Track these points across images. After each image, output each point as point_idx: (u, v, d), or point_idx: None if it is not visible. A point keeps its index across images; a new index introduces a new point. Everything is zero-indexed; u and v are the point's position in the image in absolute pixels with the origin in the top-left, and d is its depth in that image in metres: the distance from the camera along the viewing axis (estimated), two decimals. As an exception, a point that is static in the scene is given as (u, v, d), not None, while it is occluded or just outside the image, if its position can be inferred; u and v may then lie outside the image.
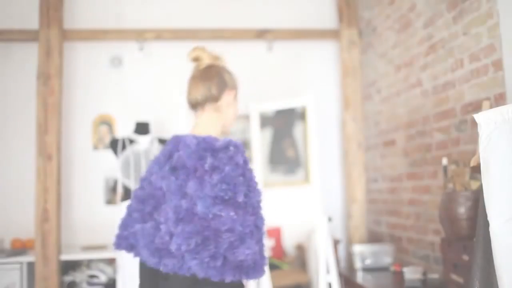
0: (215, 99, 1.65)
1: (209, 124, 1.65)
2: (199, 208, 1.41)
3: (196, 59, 1.72)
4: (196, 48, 1.72)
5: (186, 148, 1.52)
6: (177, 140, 1.59)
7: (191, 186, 1.45)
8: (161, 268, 1.43)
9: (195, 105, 1.67)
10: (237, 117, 1.78)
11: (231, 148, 1.49)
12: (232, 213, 1.40)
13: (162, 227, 1.46)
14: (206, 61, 1.71)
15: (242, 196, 1.43)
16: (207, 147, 1.50)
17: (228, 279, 1.36)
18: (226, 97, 1.68)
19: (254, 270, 1.39)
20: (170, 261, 1.41)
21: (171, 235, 1.42)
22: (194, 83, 1.67)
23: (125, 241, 1.62)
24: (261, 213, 1.48)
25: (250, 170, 1.50)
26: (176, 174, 1.51)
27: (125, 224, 1.65)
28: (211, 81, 1.65)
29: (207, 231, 1.39)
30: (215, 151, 1.49)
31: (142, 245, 1.52)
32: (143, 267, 1.58)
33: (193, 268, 1.37)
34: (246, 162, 1.50)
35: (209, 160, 1.47)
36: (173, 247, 1.40)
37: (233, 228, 1.39)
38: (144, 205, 1.60)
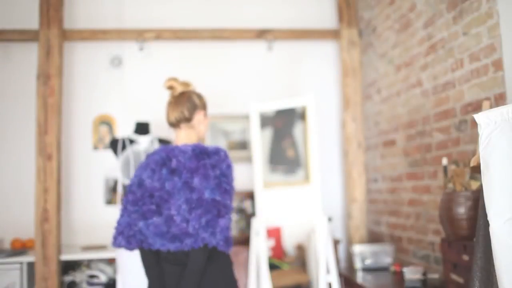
0: (188, 119, 2.10)
1: (187, 139, 2.09)
2: (206, 195, 1.89)
3: (170, 88, 2.17)
4: (170, 79, 2.17)
5: (183, 154, 1.97)
6: (168, 150, 2.02)
7: (197, 181, 1.90)
8: (184, 249, 1.86)
9: (173, 125, 2.12)
10: (208, 129, 2.32)
11: (221, 153, 1.99)
12: (228, 201, 1.93)
13: (176, 218, 1.88)
14: (178, 89, 2.16)
15: (230, 187, 1.96)
16: (202, 151, 1.96)
17: (227, 250, 1.89)
18: (197, 117, 2.13)
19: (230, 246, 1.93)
20: (189, 240, 1.85)
21: (188, 221, 1.87)
22: (170, 107, 2.12)
23: (134, 239, 1.95)
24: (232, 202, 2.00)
25: (232, 170, 2.02)
26: (178, 175, 1.94)
27: (129, 225, 1.97)
28: (183, 105, 2.10)
29: (214, 211, 1.88)
30: (209, 154, 1.96)
31: (153, 236, 1.92)
32: (148, 255, 1.97)
33: (206, 238, 1.84)
34: (231, 164, 2.01)
35: (208, 160, 1.94)
36: (190, 229, 1.85)
37: (227, 212, 1.92)
38: (138, 206, 1.96)
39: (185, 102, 2.10)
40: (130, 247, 1.96)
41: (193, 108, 2.11)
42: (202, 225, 1.85)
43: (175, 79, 2.17)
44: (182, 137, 2.09)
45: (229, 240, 1.90)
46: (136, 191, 1.98)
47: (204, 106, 2.17)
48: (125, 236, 1.96)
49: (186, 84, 2.19)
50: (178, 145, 2.03)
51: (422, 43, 2.92)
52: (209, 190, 1.89)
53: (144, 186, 1.97)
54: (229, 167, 1.97)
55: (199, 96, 2.17)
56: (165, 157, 1.99)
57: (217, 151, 1.97)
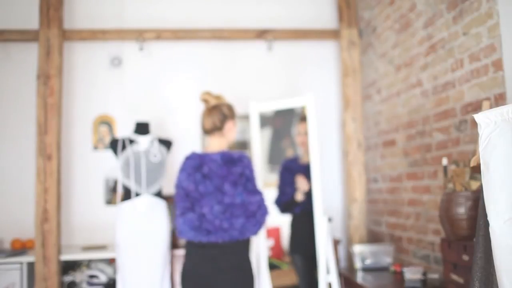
0: (219, 129, 2.52)
1: (217, 145, 2.52)
2: (238, 200, 2.35)
3: (204, 101, 2.60)
4: (204, 92, 2.61)
5: (213, 162, 2.40)
6: (200, 157, 2.44)
7: (228, 188, 2.36)
8: (218, 241, 2.33)
9: (207, 132, 2.54)
10: (236, 135, 2.86)
11: (245, 160, 2.43)
12: (257, 198, 2.40)
13: (208, 216, 2.33)
14: (211, 102, 2.58)
15: (256, 186, 2.44)
16: (229, 160, 2.40)
17: (259, 231, 2.45)
18: (227, 126, 2.54)
19: (266, 215, 2.47)
20: (225, 235, 2.33)
21: (221, 220, 2.32)
22: (205, 118, 2.54)
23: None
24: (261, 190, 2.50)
25: (254, 169, 2.49)
26: (210, 179, 2.38)
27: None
28: (215, 117, 2.51)
29: (247, 212, 2.36)
30: (235, 161, 2.40)
31: (188, 229, 2.36)
32: (191, 244, 2.42)
33: (245, 234, 2.36)
34: (253, 166, 2.47)
35: (234, 168, 2.38)
36: (225, 225, 2.32)
37: (260, 205, 2.41)
38: (180, 203, 2.41)
39: (217, 114, 2.51)
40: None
41: (224, 119, 2.52)
42: (241, 223, 2.34)
43: (208, 93, 2.60)
44: (215, 144, 2.52)
45: (262, 224, 2.42)
46: (180, 192, 2.43)
47: (233, 116, 2.57)
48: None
49: (218, 97, 2.60)
50: (208, 152, 2.47)
51: (422, 43, 2.91)
52: (238, 195, 2.35)
53: (183, 187, 2.41)
54: (252, 171, 2.42)
55: (229, 108, 2.56)
56: (197, 163, 2.42)
57: (240, 158, 2.41)
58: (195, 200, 2.37)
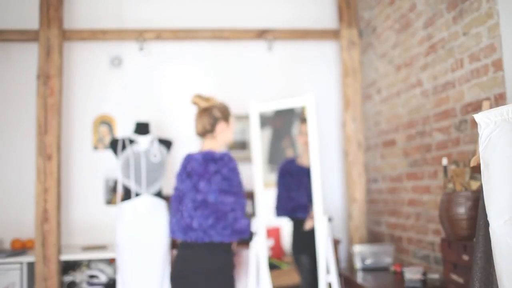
0: (210, 131, 2.51)
1: (210, 146, 2.52)
2: (210, 198, 2.30)
3: (195, 104, 2.57)
4: (194, 96, 2.57)
5: (195, 161, 2.41)
6: (189, 157, 2.47)
7: (202, 185, 2.33)
8: (187, 239, 2.33)
9: (199, 135, 2.54)
10: (234, 134, 2.79)
11: (225, 158, 2.39)
12: (231, 199, 2.32)
13: (184, 213, 2.34)
14: (202, 104, 2.55)
15: (235, 187, 2.35)
16: (209, 158, 2.38)
17: (234, 240, 2.35)
18: (219, 128, 2.51)
19: (247, 232, 2.38)
20: (193, 234, 2.31)
21: (192, 218, 2.31)
22: (196, 121, 2.54)
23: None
24: (243, 196, 2.42)
25: (237, 170, 2.43)
26: (190, 178, 2.38)
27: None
28: (205, 120, 2.50)
29: (218, 212, 2.28)
30: (216, 160, 2.36)
31: (176, 229, 2.41)
32: (179, 244, 2.46)
33: (213, 236, 2.28)
34: (235, 166, 2.42)
35: (212, 167, 2.34)
36: (195, 225, 2.30)
37: (234, 208, 2.32)
38: (173, 203, 2.46)
39: (207, 117, 2.49)
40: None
41: (214, 121, 2.50)
42: (209, 224, 2.29)
43: (199, 96, 2.56)
44: (207, 146, 2.51)
45: (236, 231, 2.31)
46: (175, 192, 2.48)
47: (226, 117, 2.53)
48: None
49: (208, 99, 2.56)
50: (196, 152, 2.47)
51: (422, 43, 2.91)
52: (212, 192, 2.30)
53: (177, 188, 2.47)
54: (231, 170, 2.35)
55: (221, 109, 2.52)
56: (186, 163, 2.46)
57: (221, 157, 2.38)
58: (180, 199, 2.41)
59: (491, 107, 2.17)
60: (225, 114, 2.53)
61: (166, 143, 3.27)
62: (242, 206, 2.37)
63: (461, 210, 2.06)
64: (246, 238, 2.42)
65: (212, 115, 2.49)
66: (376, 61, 3.63)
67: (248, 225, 2.39)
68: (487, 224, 1.54)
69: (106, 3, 3.92)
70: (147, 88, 3.90)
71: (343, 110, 3.94)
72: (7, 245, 3.57)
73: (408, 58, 3.11)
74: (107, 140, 3.81)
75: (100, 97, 3.86)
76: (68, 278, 3.39)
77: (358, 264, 3.14)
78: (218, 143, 2.53)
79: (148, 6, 3.96)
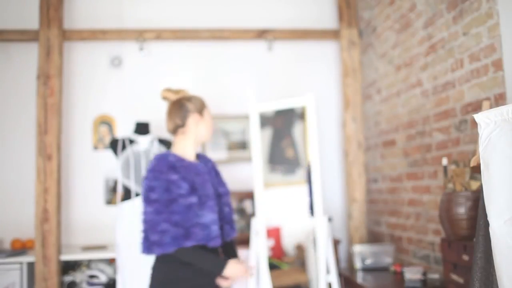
0: (181, 126, 2.15)
1: (181, 144, 2.15)
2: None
3: (165, 99, 2.26)
4: (164, 89, 2.25)
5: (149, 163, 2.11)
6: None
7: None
8: None
9: (171, 133, 2.19)
10: (212, 127, 2.25)
11: (154, 161, 2.04)
12: (149, 209, 1.98)
13: None
14: (172, 98, 2.23)
15: (156, 195, 1.96)
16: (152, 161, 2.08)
17: (151, 253, 1.99)
18: (191, 121, 2.15)
19: (159, 246, 1.95)
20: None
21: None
22: (166, 117, 2.19)
23: None
24: (175, 208, 1.97)
25: (161, 175, 1.99)
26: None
27: None
28: (175, 114, 2.16)
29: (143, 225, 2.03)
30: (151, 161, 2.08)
31: None
32: None
33: (141, 250, 2.03)
34: (160, 171, 1.99)
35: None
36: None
37: (147, 219, 1.99)
38: None
39: (176, 110, 2.16)
40: None
41: (185, 114, 2.15)
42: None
43: (168, 89, 2.25)
44: (177, 144, 2.16)
45: (147, 243, 1.99)
46: None
47: (198, 109, 2.18)
48: None
49: (177, 91, 2.25)
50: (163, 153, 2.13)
51: (422, 43, 2.91)
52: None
53: None
54: (149, 179, 1.99)
55: (191, 100, 2.18)
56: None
57: (152, 159, 2.09)
58: None
59: (491, 107, 2.17)
60: (198, 105, 2.18)
61: (166, 143, 3.27)
62: (153, 224, 2.00)
63: (461, 210, 2.06)
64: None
65: (182, 107, 2.16)
66: (376, 61, 3.63)
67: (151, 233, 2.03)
68: (487, 224, 1.54)
69: (106, 3, 3.92)
70: (147, 88, 3.90)
71: (343, 110, 3.94)
72: (7, 245, 3.57)
73: (408, 58, 3.11)
74: (107, 140, 3.81)
75: (100, 97, 3.86)
76: (68, 278, 3.39)
77: (358, 264, 3.14)
78: (190, 139, 2.16)
79: (148, 6, 3.96)
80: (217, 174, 2.27)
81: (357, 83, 3.88)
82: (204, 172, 2.13)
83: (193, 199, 1.99)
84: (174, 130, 2.17)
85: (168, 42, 3.93)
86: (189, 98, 2.19)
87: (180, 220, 1.95)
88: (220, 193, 2.19)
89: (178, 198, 1.97)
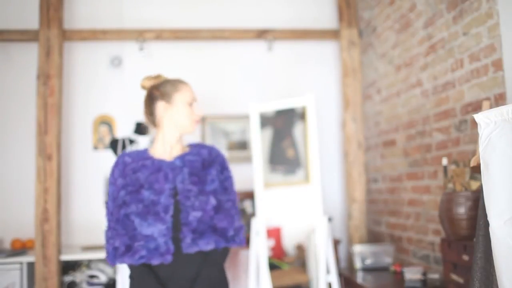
0: (152, 117, 1.89)
1: (156, 140, 1.90)
2: None
3: (143, 88, 1.95)
4: (142, 78, 1.95)
5: None
6: None
7: None
8: None
9: (153, 127, 1.93)
10: (192, 114, 1.93)
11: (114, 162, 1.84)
12: (107, 213, 1.79)
13: None
14: (147, 86, 1.93)
15: (108, 202, 1.79)
16: None
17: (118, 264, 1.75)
18: (158, 110, 1.86)
19: (108, 258, 1.75)
20: None
21: None
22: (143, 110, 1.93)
23: None
24: (118, 217, 1.76)
25: (112, 180, 1.81)
26: None
27: None
28: (144, 105, 1.91)
29: None
30: None
31: None
32: None
33: None
34: (113, 175, 1.81)
35: None
36: None
37: (109, 224, 1.77)
38: None
39: (145, 101, 1.90)
40: None
41: (152, 103, 1.86)
42: None
43: (147, 77, 1.94)
44: (156, 140, 1.89)
45: (108, 252, 1.74)
46: None
47: (165, 95, 1.85)
48: None
49: (150, 78, 1.93)
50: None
51: (422, 43, 2.91)
52: None
53: None
54: (109, 183, 1.80)
55: (158, 87, 1.87)
56: None
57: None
58: None
59: (491, 107, 2.17)
60: (165, 91, 1.86)
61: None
62: (107, 238, 1.78)
63: (461, 210, 2.06)
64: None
65: (150, 96, 1.88)
66: (376, 61, 3.63)
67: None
68: (487, 224, 1.54)
69: (106, 3, 3.92)
70: (147, 88, 3.90)
71: (343, 110, 3.94)
72: (7, 245, 3.57)
73: (408, 58, 3.11)
74: (107, 140, 3.81)
75: (100, 97, 3.86)
76: (68, 278, 3.39)
77: (358, 264, 3.14)
78: (162, 132, 1.87)
79: (148, 6, 3.96)
80: (206, 168, 1.87)
81: (357, 83, 3.88)
82: (167, 171, 1.80)
83: (133, 208, 1.73)
84: (153, 124, 1.89)
85: (168, 42, 3.93)
86: (158, 85, 1.88)
87: (122, 231, 1.72)
88: (188, 195, 1.77)
89: (122, 205, 1.74)
